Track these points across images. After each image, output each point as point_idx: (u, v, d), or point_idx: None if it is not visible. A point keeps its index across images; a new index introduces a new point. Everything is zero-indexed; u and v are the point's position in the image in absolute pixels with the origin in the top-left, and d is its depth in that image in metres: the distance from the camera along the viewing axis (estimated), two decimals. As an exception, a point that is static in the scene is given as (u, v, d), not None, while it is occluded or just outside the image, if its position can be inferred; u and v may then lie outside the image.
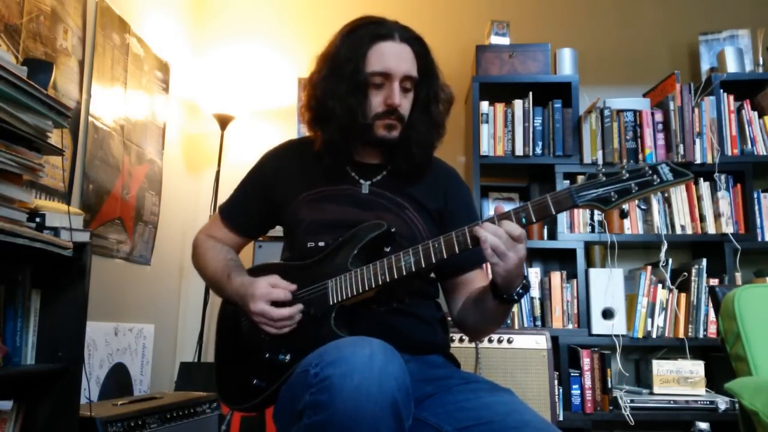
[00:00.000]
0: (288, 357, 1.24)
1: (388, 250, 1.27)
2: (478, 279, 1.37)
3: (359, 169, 1.39)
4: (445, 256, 1.16)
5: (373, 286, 1.20)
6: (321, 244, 1.30)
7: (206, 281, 1.49)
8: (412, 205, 1.35)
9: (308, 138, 1.44)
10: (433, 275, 1.42)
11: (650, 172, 1.07)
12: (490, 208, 2.79)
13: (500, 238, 1.09)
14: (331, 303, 1.23)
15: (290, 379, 1.10)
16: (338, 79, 1.31)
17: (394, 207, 1.34)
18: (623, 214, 1.13)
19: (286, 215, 1.39)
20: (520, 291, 1.18)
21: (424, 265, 1.17)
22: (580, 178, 2.75)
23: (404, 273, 1.19)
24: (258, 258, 2.53)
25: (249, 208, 1.47)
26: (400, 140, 1.34)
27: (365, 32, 1.33)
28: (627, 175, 1.08)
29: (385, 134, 1.33)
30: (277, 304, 1.25)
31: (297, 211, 1.36)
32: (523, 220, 1.12)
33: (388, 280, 1.19)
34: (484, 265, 1.41)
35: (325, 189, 1.36)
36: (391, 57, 1.31)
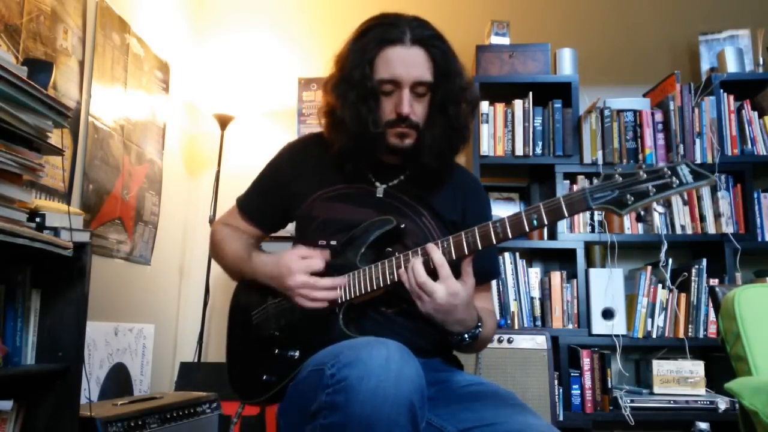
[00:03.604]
0: (297, 353, 1.24)
1: (391, 248, 1.26)
2: (478, 297, 1.30)
3: (377, 171, 1.36)
4: (454, 257, 1.14)
5: (381, 285, 1.20)
6: (333, 242, 1.29)
7: (224, 265, 1.48)
8: (429, 213, 1.33)
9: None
10: None
11: (669, 173, 1.00)
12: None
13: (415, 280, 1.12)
14: (339, 301, 1.23)
15: (299, 376, 1.10)
16: (348, 86, 1.26)
17: (411, 212, 1.32)
18: (639, 218, 1.09)
19: (299, 211, 1.37)
20: (458, 338, 1.19)
21: (432, 267, 1.15)
22: (581, 178, 2.69)
23: None
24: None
25: (265, 201, 1.45)
26: (413, 145, 1.29)
27: (373, 36, 1.27)
28: (644, 176, 1.01)
29: (397, 143, 1.28)
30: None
31: (311, 208, 1.34)
32: (534, 222, 1.08)
33: (396, 280, 1.18)
34: (492, 283, 1.38)
35: (341, 188, 1.34)
36: (400, 63, 1.24)
